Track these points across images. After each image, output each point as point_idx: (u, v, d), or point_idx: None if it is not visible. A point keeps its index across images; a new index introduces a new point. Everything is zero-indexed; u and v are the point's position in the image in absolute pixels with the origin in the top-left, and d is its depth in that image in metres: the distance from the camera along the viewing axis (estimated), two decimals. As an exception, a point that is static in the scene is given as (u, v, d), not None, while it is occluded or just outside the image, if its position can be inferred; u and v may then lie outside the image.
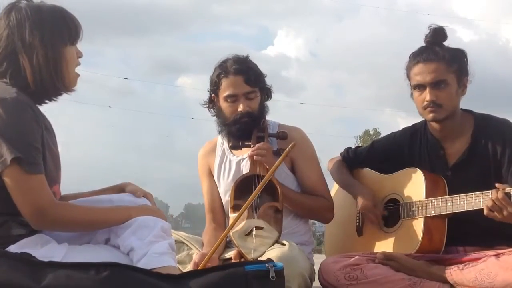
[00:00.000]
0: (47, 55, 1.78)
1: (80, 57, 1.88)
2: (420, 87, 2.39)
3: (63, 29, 1.83)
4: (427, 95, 2.36)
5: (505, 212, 2.11)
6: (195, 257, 2.33)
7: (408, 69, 2.46)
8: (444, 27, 2.46)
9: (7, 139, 1.64)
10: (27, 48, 1.77)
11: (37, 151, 1.69)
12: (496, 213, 2.13)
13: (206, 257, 2.06)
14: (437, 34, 2.44)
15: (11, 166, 1.64)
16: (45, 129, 1.77)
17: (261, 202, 2.26)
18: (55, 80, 1.81)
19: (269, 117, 2.65)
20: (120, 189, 1.98)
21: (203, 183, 2.74)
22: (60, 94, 1.88)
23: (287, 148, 2.13)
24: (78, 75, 1.89)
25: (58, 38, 1.81)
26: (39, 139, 1.70)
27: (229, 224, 2.12)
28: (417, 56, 2.42)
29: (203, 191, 2.74)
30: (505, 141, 2.35)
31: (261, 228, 2.18)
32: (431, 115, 2.38)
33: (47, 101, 1.87)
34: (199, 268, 2.10)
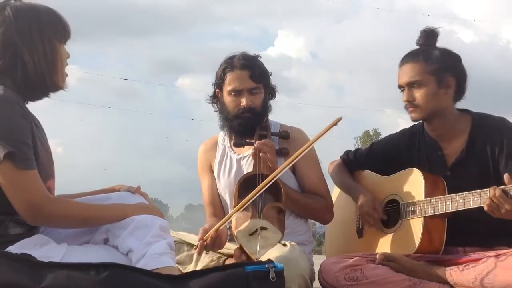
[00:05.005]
0: (45, 51, 1.81)
1: (68, 58, 1.91)
2: (400, 88, 2.48)
3: (59, 28, 1.87)
4: (403, 96, 2.46)
5: (503, 210, 2.11)
6: (206, 225, 2.36)
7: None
8: (436, 29, 2.49)
9: None
10: (27, 43, 1.79)
11: (28, 147, 1.69)
12: (494, 211, 2.13)
13: (216, 226, 2.13)
14: (427, 37, 2.48)
15: (4, 162, 1.64)
16: (34, 125, 1.77)
17: (265, 202, 2.26)
18: (53, 77, 1.84)
19: (271, 118, 2.66)
20: (112, 191, 1.99)
21: (204, 179, 2.75)
22: (53, 91, 1.90)
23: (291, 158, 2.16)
24: (67, 75, 1.91)
25: (55, 36, 1.85)
26: (29, 135, 1.71)
27: (234, 209, 2.12)
28: (403, 58, 2.50)
29: (203, 187, 2.74)
30: (502, 139, 2.35)
31: (265, 229, 2.18)
32: (411, 115, 2.46)
33: (36, 99, 1.89)
34: (208, 235, 2.17)
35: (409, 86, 2.42)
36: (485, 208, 2.14)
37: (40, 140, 1.78)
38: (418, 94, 2.41)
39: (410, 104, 2.43)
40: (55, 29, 1.85)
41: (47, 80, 1.83)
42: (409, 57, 2.47)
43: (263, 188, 2.07)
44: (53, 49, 1.83)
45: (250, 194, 2.08)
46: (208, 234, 2.16)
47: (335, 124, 2.05)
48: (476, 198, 2.20)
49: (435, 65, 2.41)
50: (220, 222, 2.12)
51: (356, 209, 2.60)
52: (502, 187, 2.11)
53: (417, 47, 2.49)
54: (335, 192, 2.81)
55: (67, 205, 1.75)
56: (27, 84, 1.80)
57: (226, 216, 2.12)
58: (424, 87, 2.40)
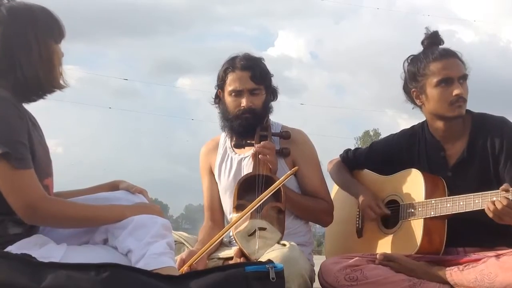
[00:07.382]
0: (41, 52, 1.81)
1: (62, 57, 1.90)
2: (447, 81, 2.36)
3: (54, 27, 1.86)
4: (456, 89, 2.34)
5: (506, 218, 2.11)
6: (183, 253, 2.33)
7: (423, 66, 2.42)
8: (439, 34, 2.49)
9: None
10: (23, 44, 1.79)
11: (24, 146, 1.69)
12: (503, 218, 2.13)
13: (194, 256, 2.11)
14: (436, 37, 2.47)
15: (0, 163, 1.64)
16: (31, 125, 1.77)
17: (264, 203, 2.27)
18: (48, 77, 1.83)
19: (272, 118, 2.65)
20: (113, 186, 1.99)
21: (204, 181, 2.75)
22: (49, 93, 1.89)
23: (289, 171, 2.22)
24: (62, 74, 1.90)
25: (50, 35, 1.85)
26: (25, 135, 1.71)
27: (226, 226, 2.15)
28: (434, 52, 2.42)
29: (203, 188, 2.75)
30: (502, 138, 2.35)
31: (264, 229, 2.19)
32: (457, 110, 2.37)
33: (32, 100, 1.88)
34: (185, 265, 2.14)
35: (460, 79, 2.37)
36: (488, 214, 2.14)
37: (37, 138, 1.78)
38: (465, 89, 2.38)
39: (462, 98, 2.36)
40: (50, 28, 1.85)
41: (43, 81, 1.83)
42: (450, 51, 2.42)
43: (242, 216, 2.10)
44: (49, 50, 1.83)
45: (231, 223, 2.11)
46: (190, 260, 2.14)
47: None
48: (477, 201, 2.20)
49: (465, 64, 2.43)
50: (199, 252, 2.13)
51: (355, 208, 2.60)
52: (504, 194, 2.11)
53: (421, 46, 2.48)
54: (334, 191, 2.80)
55: (64, 205, 1.75)
56: (24, 85, 1.79)
57: (207, 245, 2.12)
58: (466, 83, 2.40)
